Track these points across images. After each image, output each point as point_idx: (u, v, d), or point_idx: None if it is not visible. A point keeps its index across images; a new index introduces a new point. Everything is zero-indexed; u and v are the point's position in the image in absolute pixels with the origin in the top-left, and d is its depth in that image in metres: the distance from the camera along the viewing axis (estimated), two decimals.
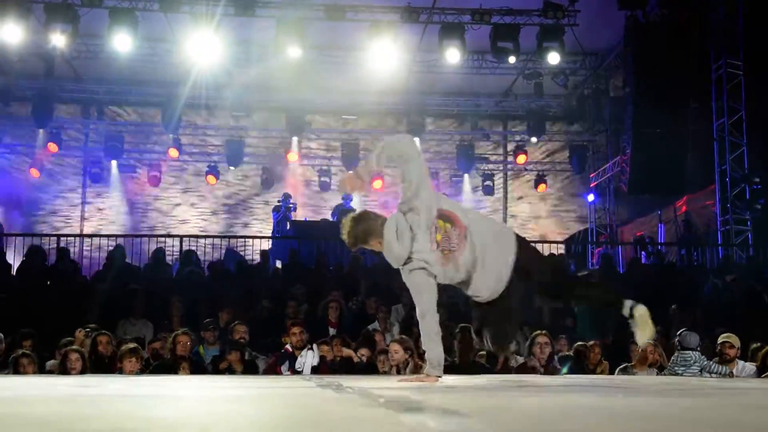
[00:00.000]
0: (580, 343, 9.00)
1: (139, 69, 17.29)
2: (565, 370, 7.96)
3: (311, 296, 11.51)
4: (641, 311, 4.70)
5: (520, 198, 21.42)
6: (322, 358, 8.24)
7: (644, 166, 15.00)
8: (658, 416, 2.52)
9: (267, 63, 16.65)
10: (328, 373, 7.63)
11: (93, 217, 19.72)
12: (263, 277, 13.02)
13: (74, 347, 7.67)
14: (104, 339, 7.99)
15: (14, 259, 13.65)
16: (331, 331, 10.04)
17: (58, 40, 14.09)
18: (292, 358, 8.16)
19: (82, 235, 14.82)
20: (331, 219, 17.94)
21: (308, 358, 8.19)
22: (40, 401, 3.32)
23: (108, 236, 14.53)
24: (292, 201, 18.33)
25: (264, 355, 8.81)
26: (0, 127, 18.63)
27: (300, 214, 19.04)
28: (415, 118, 19.01)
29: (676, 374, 7.80)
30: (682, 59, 14.65)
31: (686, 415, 2.61)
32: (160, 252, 13.71)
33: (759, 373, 7.73)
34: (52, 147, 18.54)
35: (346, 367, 8.29)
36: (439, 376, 4.50)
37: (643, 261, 15.95)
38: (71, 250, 13.92)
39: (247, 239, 17.72)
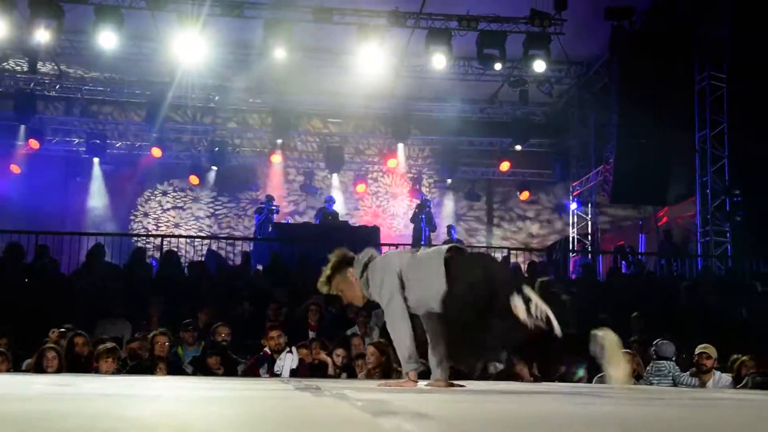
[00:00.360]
0: None
1: (123, 67, 17.21)
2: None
3: (292, 299, 11.47)
4: (610, 338, 4.32)
5: (503, 204, 21.49)
6: (301, 361, 8.22)
7: (627, 176, 15.11)
8: (635, 423, 2.52)
9: (253, 64, 16.64)
10: (307, 376, 7.61)
11: (74, 214, 19.56)
12: (244, 278, 12.95)
13: (51, 345, 7.61)
14: (80, 340, 7.93)
15: None
16: (311, 334, 10.01)
17: (42, 35, 14.01)
18: (271, 361, 8.13)
19: (62, 233, 14.68)
20: (314, 222, 17.92)
21: (287, 362, 8.16)
22: (16, 399, 3.29)
23: (88, 234, 14.39)
24: (274, 203, 18.29)
25: (243, 358, 8.76)
26: None
27: (282, 217, 19.00)
28: (400, 123, 19.04)
29: (651, 384, 7.84)
30: (666, 70, 14.79)
31: (669, 424, 2.62)
32: (140, 252, 13.61)
33: (734, 383, 7.78)
34: (34, 143, 18.41)
35: (325, 371, 8.28)
36: (414, 382, 4.58)
37: (623, 270, 16.04)
38: (51, 247, 13.79)
39: (228, 240, 17.67)
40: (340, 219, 17.92)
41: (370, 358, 7.77)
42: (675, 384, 7.86)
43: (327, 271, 4.98)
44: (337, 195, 19.66)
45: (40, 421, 2.22)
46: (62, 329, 8.30)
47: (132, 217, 20.03)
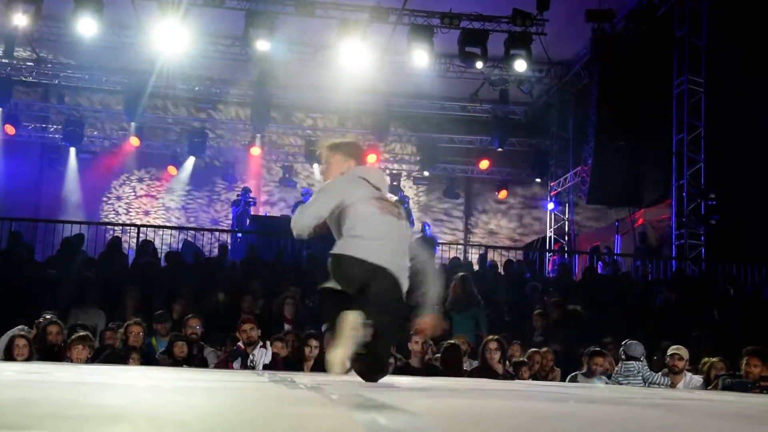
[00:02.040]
0: (533, 349, 9.08)
1: (102, 55, 17.03)
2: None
3: (268, 292, 11.44)
4: (348, 319, 4.30)
5: (482, 203, 21.56)
6: (275, 355, 8.17)
7: (604, 177, 15.21)
8: (605, 421, 2.54)
9: (234, 56, 16.55)
10: (282, 370, 7.57)
11: (49, 202, 19.37)
12: (221, 270, 12.89)
13: (21, 333, 7.53)
14: (54, 328, 7.85)
15: None
16: (286, 327, 9.99)
17: (20, 20, 13.82)
18: (244, 355, 8.09)
19: (37, 220, 14.54)
20: (291, 215, 17.87)
21: (260, 355, 8.11)
22: None
23: (63, 222, 14.24)
24: (251, 195, 18.22)
25: (218, 349, 8.69)
26: None
27: (257, 209, 18.95)
28: (380, 119, 19.03)
29: (619, 384, 7.91)
30: (646, 73, 14.89)
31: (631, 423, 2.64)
32: (116, 241, 13.50)
33: (705, 385, 7.86)
34: (9, 129, 18.20)
35: (301, 366, 8.23)
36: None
37: (599, 271, 16.15)
38: (24, 234, 13.65)
39: (206, 232, 17.57)
40: None
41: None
42: (646, 384, 7.92)
43: (339, 141, 5.11)
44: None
45: (11, 408, 2.19)
46: (41, 318, 8.13)
47: (104, 199, 19.85)
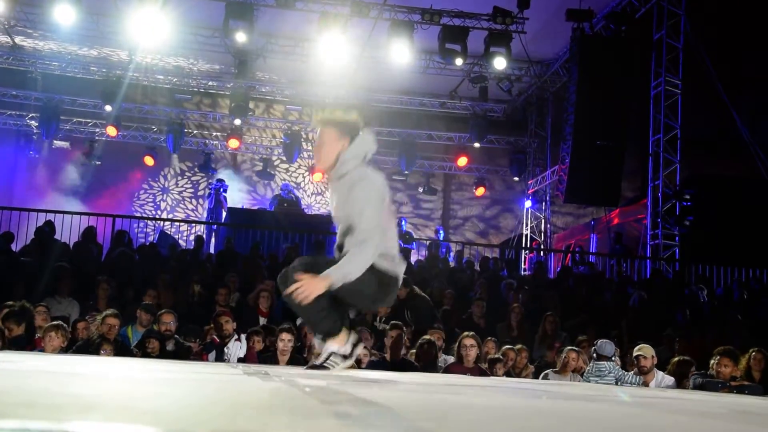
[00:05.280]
0: (508, 346, 9.12)
1: (80, 43, 16.86)
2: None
3: (243, 285, 11.40)
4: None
5: (459, 199, 21.64)
6: (249, 348, 8.16)
7: (581, 176, 15.30)
8: (577, 417, 2.57)
9: (213, 47, 16.46)
10: (256, 363, 7.56)
11: (22, 190, 19.17)
12: (196, 262, 12.83)
13: None
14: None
15: None
16: (262, 320, 9.97)
17: None
18: (219, 348, 8.07)
19: (10, 209, 14.35)
20: (268, 209, 17.83)
21: (235, 348, 8.10)
22: None
23: (38, 211, 14.10)
24: (225, 184, 18.16)
25: (192, 341, 8.64)
26: None
27: (235, 200, 18.88)
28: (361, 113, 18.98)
29: (590, 383, 7.95)
30: (624, 73, 15.01)
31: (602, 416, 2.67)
32: (90, 231, 13.38)
33: (677, 384, 7.94)
34: None
35: (275, 360, 8.21)
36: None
37: (574, 270, 16.25)
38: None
39: (175, 223, 17.47)
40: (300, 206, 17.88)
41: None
42: (618, 383, 7.97)
43: (337, 113, 4.59)
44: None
45: None
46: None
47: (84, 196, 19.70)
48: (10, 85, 18.66)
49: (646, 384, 7.94)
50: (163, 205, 20.33)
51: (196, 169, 20.37)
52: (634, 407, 3.41)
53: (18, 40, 17.44)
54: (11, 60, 18.13)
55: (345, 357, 4.46)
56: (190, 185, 20.57)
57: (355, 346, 4.50)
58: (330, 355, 4.44)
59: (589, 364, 8.32)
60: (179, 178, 20.54)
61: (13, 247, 12.51)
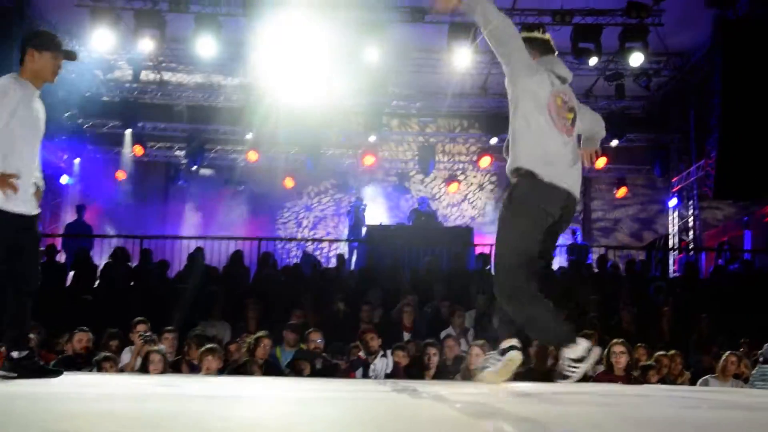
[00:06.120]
0: (660, 352, 8.78)
1: (223, 73, 17.53)
2: None
3: (386, 300, 11.53)
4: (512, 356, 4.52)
5: (600, 201, 21.07)
6: (396, 364, 8.22)
7: (731, 170, 14.50)
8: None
9: (344, 65, 16.69)
10: (403, 378, 7.61)
11: (174, 218, 20.20)
12: (338, 280, 13.09)
13: (155, 348, 7.83)
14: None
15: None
16: (406, 335, 10.04)
17: (146, 45, 14.49)
18: (366, 365, 8.18)
19: (165, 237, 15.24)
20: (406, 223, 17.96)
21: (381, 365, 8.19)
22: (126, 398, 3.46)
23: (188, 238, 14.84)
24: (364, 203, 18.44)
25: (339, 359, 8.81)
26: None
27: (374, 217, 19.15)
28: (492, 119, 18.87)
29: (755, 388, 7.56)
30: None
31: None
32: (238, 255, 13.88)
33: None
34: (138, 150, 19.11)
35: (422, 374, 8.23)
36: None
37: (730, 268, 15.43)
38: (153, 251, 14.27)
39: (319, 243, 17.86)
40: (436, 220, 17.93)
41: (474, 360, 7.67)
42: None
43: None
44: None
45: (149, 419, 2.34)
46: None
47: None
48: (158, 119, 19.76)
49: None
50: (305, 222, 20.89)
51: (330, 189, 20.86)
52: None
53: (165, 76, 18.45)
54: (159, 95, 19.18)
55: (580, 360, 4.34)
56: (333, 203, 21.05)
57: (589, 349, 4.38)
58: (567, 361, 4.37)
59: (755, 368, 7.91)
60: (322, 196, 21.05)
61: (169, 273, 13.21)
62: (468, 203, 20.97)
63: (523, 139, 4.50)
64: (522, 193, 4.43)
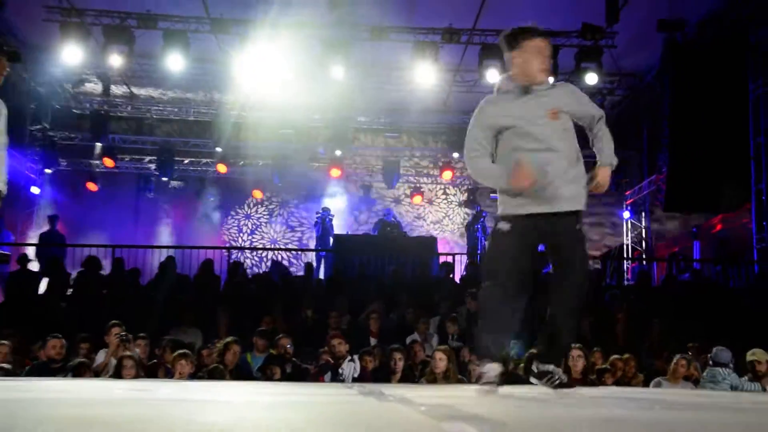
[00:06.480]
0: (615, 356, 9.15)
1: (190, 89, 17.80)
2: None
3: (353, 307, 11.85)
4: None
5: None
6: (363, 368, 8.56)
7: (680, 185, 15.08)
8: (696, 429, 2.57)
9: (311, 81, 17.02)
10: (370, 382, 7.83)
11: (144, 228, 20.39)
12: (307, 288, 13.36)
13: (128, 354, 7.97)
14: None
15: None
16: (373, 341, 10.31)
17: (115, 60, 14.64)
18: (334, 369, 8.47)
19: (137, 246, 15.44)
20: (372, 233, 18.33)
21: (349, 369, 8.47)
22: (100, 403, 3.49)
23: (160, 247, 15.04)
24: (331, 214, 18.76)
25: (308, 364, 9.09)
26: None
27: (340, 227, 19.50)
28: (456, 134, 19.31)
29: (705, 389, 7.83)
30: (719, 79, 14.75)
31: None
32: (208, 263, 14.13)
33: None
34: (108, 162, 19.26)
35: (388, 378, 8.50)
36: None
37: (681, 277, 16.01)
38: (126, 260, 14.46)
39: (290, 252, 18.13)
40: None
41: (438, 364, 7.99)
42: (734, 390, 7.79)
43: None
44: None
45: (123, 425, 2.37)
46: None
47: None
48: (129, 132, 19.95)
49: (765, 389, 7.80)
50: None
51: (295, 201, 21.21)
52: (752, 415, 3.31)
53: (135, 90, 18.63)
54: (130, 108, 19.38)
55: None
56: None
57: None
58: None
59: (705, 371, 8.30)
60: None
61: (141, 281, 13.43)
62: (448, 219, 21.50)
63: None
64: None
